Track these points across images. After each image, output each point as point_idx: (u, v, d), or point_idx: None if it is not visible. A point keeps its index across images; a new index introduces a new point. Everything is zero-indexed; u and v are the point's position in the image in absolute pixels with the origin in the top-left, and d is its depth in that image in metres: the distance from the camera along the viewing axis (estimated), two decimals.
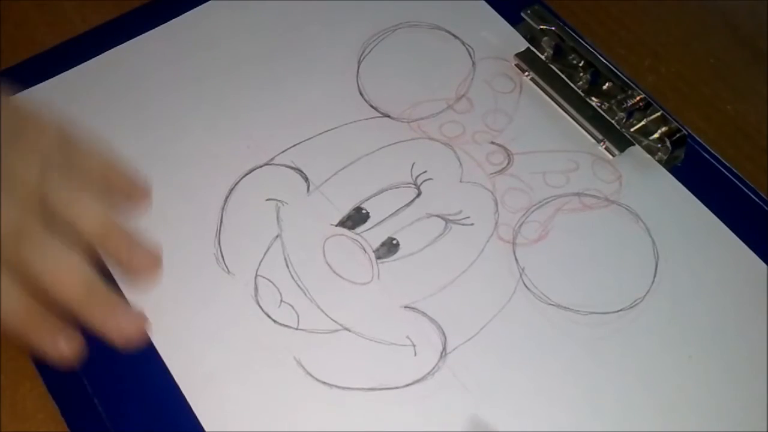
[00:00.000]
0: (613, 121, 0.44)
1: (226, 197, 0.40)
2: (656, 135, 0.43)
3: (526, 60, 0.46)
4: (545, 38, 0.46)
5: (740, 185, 0.43)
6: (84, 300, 0.34)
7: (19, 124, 0.35)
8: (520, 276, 0.39)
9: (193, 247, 0.39)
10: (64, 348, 0.34)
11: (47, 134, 0.36)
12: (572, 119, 0.44)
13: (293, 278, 0.38)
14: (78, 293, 0.34)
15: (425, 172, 0.42)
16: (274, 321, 0.37)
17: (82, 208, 0.34)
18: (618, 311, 0.38)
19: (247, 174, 0.41)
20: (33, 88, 0.44)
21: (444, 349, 0.36)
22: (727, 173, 0.43)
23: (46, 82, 0.44)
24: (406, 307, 0.38)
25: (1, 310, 0.33)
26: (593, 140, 0.44)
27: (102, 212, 0.35)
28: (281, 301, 0.37)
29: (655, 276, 0.39)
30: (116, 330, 0.34)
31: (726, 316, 0.38)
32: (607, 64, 0.45)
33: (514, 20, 0.48)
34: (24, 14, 0.49)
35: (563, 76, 0.45)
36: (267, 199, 0.40)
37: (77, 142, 0.37)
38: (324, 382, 0.35)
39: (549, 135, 0.44)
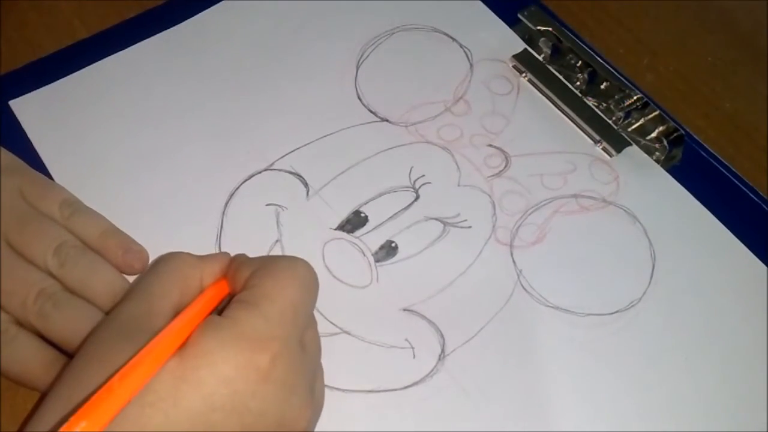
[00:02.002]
0: (610, 121, 0.44)
1: (226, 202, 0.41)
2: (654, 134, 0.44)
3: (524, 61, 0.46)
4: (542, 39, 0.47)
5: (739, 185, 0.43)
6: None
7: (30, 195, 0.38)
8: (518, 278, 0.39)
9: (194, 252, 0.39)
10: None
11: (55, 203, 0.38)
12: (570, 120, 0.44)
13: None
14: None
15: (423, 175, 0.42)
16: None
17: (95, 281, 0.36)
18: (615, 312, 0.38)
19: (246, 179, 0.42)
20: (33, 92, 0.45)
21: (442, 351, 0.37)
22: (725, 172, 0.43)
23: (47, 87, 0.45)
24: (404, 309, 0.38)
25: (25, 368, 0.35)
26: (591, 141, 0.44)
27: (113, 282, 0.37)
28: None
29: (652, 277, 0.39)
30: None
31: (724, 318, 0.38)
32: (605, 63, 0.45)
33: (511, 21, 0.48)
34: (23, 17, 0.49)
35: (560, 76, 0.45)
36: (267, 204, 0.41)
37: (80, 209, 0.39)
38: (324, 385, 0.36)
39: (546, 136, 0.44)
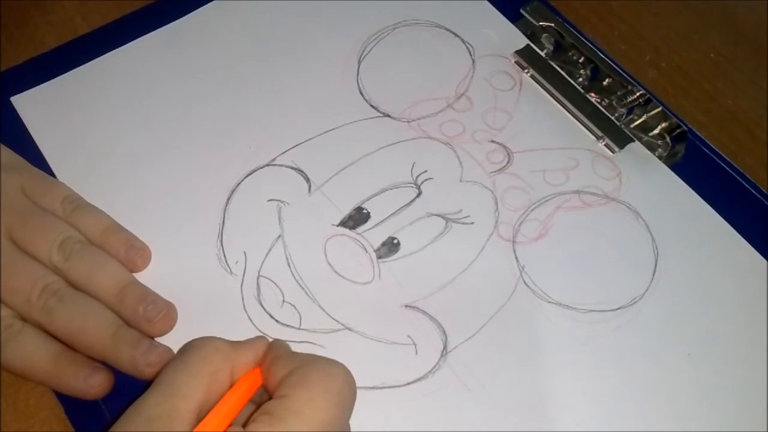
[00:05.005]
0: (612, 118, 0.44)
1: (228, 198, 0.41)
2: (656, 131, 0.44)
3: (526, 57, 0.46)
4: (545, 35, 0.47)
5: (741, 180, 0.43)
6: (110, 341, 0.35)
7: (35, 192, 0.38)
8: (520, 274, 0.39)
9: (196, 248, 0.39)
10: (96, 383, 0.35)
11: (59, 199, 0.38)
12: (572, 116, 0.44)
13: (295, 278, 0.38)
14: (104, 336, 0.35)
15: (425, 171, 0.42)
16: (277, 321, 0.37)
17: (101, 274, 0.36)
18: (617, 309, 0.38)
19: (248, 175, 0.41)
20: (35, 89, 0.45)
21: (445, 347, 0.37)
22: (727, 168, 0.43)
23: (48, 83, 0.45)
24: (407, 306, 0.38)
25: (31, 362, 0.35)
26: (593, 137, 0.44)
27: (118, 276, 0.37)
28: (283, 301, 0.38)
29: (654, 273, 0.39)
30: (145, 366, 0.35)
31: (726, 313, 0.38)
32: (607, 59, 0.45)
33: (513, 17, 0.48)
34: (25, 13, 0.49)
35: (563, 72, 0.45)
36: (269, 200, 0.41)
37: (82, 205, 0.39)
38: None
39: (549, 132, 0.44)
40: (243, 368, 0.30)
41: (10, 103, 0.44)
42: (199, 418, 0.28)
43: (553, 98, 0.45)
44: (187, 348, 0.30)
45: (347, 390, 0.29)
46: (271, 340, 0.32)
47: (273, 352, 0.31)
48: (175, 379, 0.29)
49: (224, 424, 0.28)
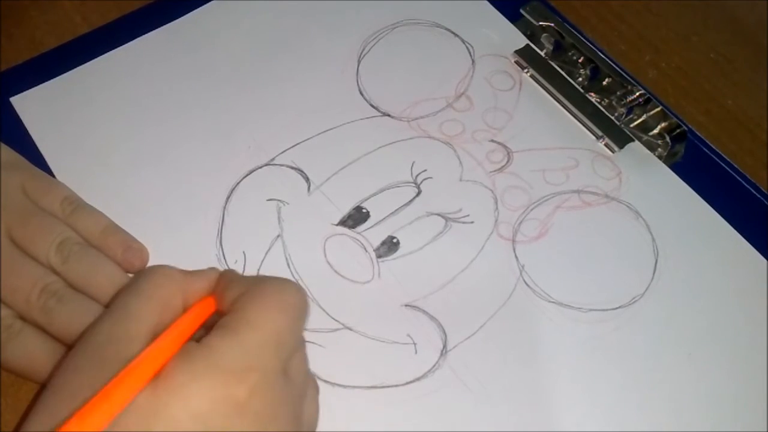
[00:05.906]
0: (612, 117, 0.44)
1: (228, 197, 0.41)
2: (656, 131, 0.44)
3: (526, 57, 0.46)
4: (545, 35, 0.47)
5: (741, 180, 0.43)
6: None
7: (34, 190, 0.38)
8: (520, 273, 0.39)
9: (195, 248, 0.39)
10: None
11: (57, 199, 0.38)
12: (572, 116, 0.44)
13: (294, 278, 0.38)
14: None
15: (425, 170, 0.42)
16: None
17: (98, 276, 0.36)
18: (617, 308, 0.38)
19: (248, 174, 0.41)
20: (34, 89, 0.44)
21: (444, 346, 0.37)
22: (727, 168, 0.43)
23: (48, 83, 0.45)
24: (406, 305, 0.38)
25: (31, 362, 0.35)
26: (593, 137, 0.44)
27: (115, 277, 0.37)
28: None
29: (654, 273, 0.39)
30: None
31: (726, 313, 0.38)
32: (607, 59, 0.45)
33: (513, 17, 0.48)
34: (24, 13, 0.49)
35: (563, 72, 0.45)
36: (268, 199, 0.41)
37: (81, 206, 0.39)
38: (326, 381, 0.36)
39: (548, 132, 0.44)
40: (196, 296, 0.31)
41: (10, 103, 0.44)
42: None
43: (553, 98, 0.45)
44: (139, 275, 0.31)
45: (299, 301, 0.30)
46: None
47: (226, 278, 0.31)
48: (127, 304, 0.29)
49: (178, 344, 0.28)
